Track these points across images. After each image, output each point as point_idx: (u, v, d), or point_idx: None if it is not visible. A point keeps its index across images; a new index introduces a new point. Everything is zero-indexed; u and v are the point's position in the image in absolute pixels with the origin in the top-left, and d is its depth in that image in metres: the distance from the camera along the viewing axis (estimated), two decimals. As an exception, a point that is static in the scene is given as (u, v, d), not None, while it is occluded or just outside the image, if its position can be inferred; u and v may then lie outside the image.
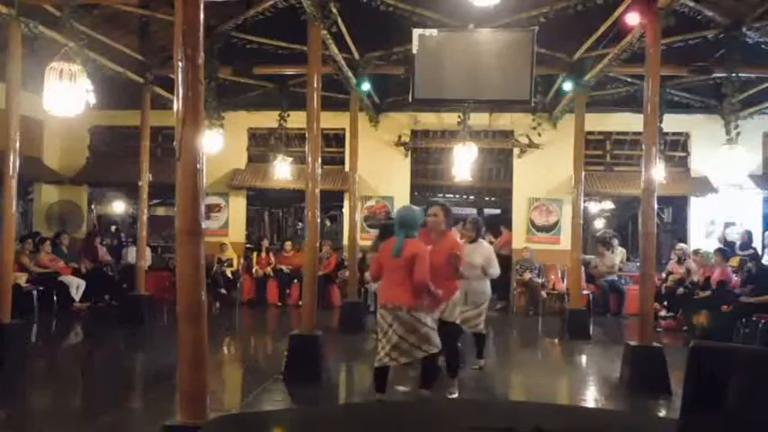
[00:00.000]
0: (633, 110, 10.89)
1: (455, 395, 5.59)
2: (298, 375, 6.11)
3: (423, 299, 4.82)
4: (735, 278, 9.52)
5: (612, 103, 11.60)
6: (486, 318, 6.77)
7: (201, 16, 3.66)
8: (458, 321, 5.76)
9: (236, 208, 12.84)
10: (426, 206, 5.67)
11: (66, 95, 5.84)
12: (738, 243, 11.27)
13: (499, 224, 13.18)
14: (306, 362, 6.18)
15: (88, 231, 12.86)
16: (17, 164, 6.64)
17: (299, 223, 14.48)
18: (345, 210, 11.85)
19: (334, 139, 12.63)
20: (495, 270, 6.41)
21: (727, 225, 11.88)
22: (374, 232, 11.51)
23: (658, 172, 7.35)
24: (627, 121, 11.64)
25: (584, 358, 8.30)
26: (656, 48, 6.39)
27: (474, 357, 6.85)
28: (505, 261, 12.26)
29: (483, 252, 6.37)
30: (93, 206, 13.87)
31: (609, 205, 14.57)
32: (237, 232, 12.84)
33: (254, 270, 12.14)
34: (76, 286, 10.57)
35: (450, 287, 5.37)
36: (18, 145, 6.68)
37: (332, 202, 12.93)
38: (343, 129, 11.60)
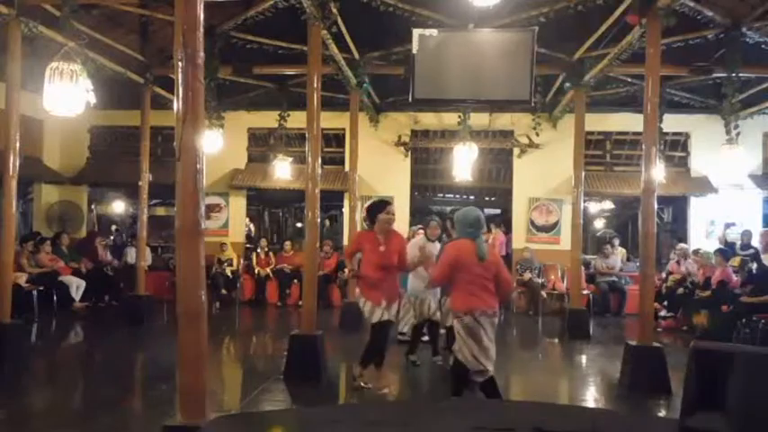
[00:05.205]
0: (633, 110, 10.91)
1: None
2: (298, 375, 6.11)
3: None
4: (735, 278, 9.52)
5: (612, 103, 11.60)
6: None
7: (201, 16, 3.66)
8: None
9: (236, 208, 12.84)
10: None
11: (67, 95, 5.84)
12: (739, 243, 11.26)
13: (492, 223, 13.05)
14: (306, 362, 6.18)
15: (88, 231, 12.87)
16: (17, 164, 6.64)
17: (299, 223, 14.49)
18: (345, 210, 11.84)
19: (334, 139, 12.63)
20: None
21: (727, 225, 11.87)
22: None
23: (658, 172, 7.35)
24: (627, 121, 11.64)
25: (584, 358, 8.29)
26: (656, 48, 6.38)
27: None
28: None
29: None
30: (93, 206, 13.86)
31: (609, 205, 14.58)
32: (237, 232, 12.84)
33: (256, 271, 12.15)
34: (76, 286, 10.56)
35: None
36: (18, 145, 6.68)
37: (332, 202, 12.92)
38: (343, 129, 11.60)
